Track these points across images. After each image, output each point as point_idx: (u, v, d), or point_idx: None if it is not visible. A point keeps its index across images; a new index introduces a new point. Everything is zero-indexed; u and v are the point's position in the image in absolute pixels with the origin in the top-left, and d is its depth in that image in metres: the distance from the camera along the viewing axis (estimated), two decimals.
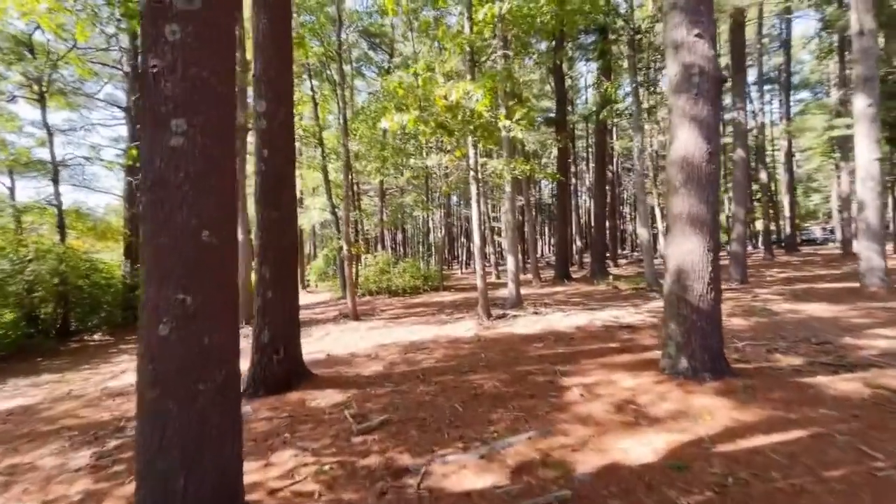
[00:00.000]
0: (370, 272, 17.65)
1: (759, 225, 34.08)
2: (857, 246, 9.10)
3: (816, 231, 36.53)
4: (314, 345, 7.57)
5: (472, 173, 8.48)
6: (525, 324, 7.97)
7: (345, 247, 10.26)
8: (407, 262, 18.63)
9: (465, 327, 8.12)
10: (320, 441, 3.35)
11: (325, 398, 4.32)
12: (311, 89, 17.36)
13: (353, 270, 18.40)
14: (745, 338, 5.76)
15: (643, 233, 12.25)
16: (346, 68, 20.59)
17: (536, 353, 5.70)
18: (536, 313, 8.94)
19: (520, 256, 17.64)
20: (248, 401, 4.33)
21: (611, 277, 14.73)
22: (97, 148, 13.39)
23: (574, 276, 18.44)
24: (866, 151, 8.79)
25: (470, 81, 6.79)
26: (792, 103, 28.07)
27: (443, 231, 20.32)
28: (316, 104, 17.22)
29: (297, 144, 20.01)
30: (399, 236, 37.50)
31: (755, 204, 30.18)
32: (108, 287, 12.56)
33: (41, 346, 10.02)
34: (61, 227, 11.69)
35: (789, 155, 25.89)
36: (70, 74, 14.09)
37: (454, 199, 33.23)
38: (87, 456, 3.44)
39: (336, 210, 17.26)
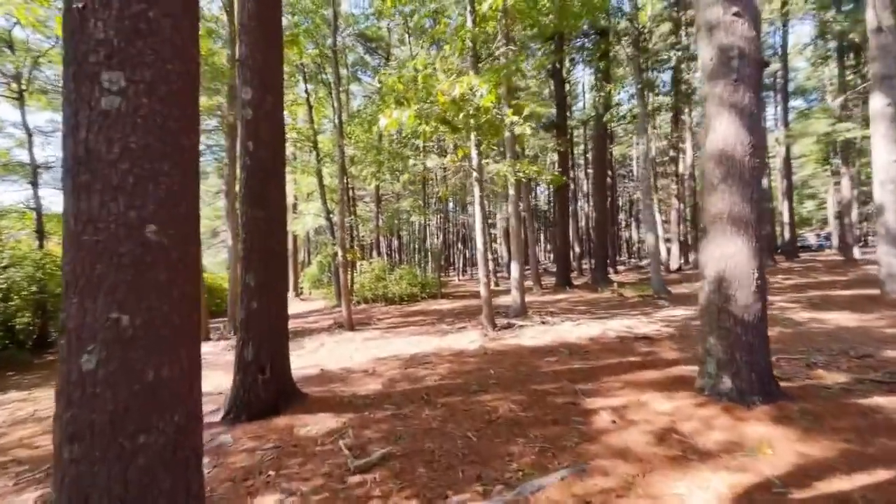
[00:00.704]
0: (366, 279, 17.10)
1: None
2: (878, 251, 8.71)
3: (811, 238, 36.48)
4: (307, 358, 7.02)
5: (474, 175, 8.01)
6: (533, 335, 7.46)
7: (339, 253, 9.73)
8: (403, 269, 18.10)
9: (469, 338, 7.60)
10: (311, 481, 2.81)
11: (317, 424, 3.78)
12: (306, 91, 16.92)
13: (349, 278, 17.89)
14: (776, 350, 5.28)
15: (649, 238, 11.83)
16: (343, 72, 20.20)
17: (551, 369, 5.19)
18: (544, 323, 8.44)
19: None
20: (228, 428, 3.78)
21: (615, 285, 14.29)
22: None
23: (575, 282, 17.99)
24: (885, 153, 8.44)
25: (475, 76, 6.34)
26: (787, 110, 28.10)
27: (440, 237, 19.82)
28: (310, 107, 16.77)
29: (291, 148, 19.52)
30: (395, 243, 37.00)
31: None
32: None
33: (15, 358, 9.36)
34: (40, 232, 11.06)
35: (787, 161, 25.76)
36: (56, 74, 13.54)
37: (450, 204, 32.82)
38: (30, 501, 2.88)
39: (331, 215, 16.74)
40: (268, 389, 4.02)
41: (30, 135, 11.47)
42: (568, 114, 24.28)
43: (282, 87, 4.43)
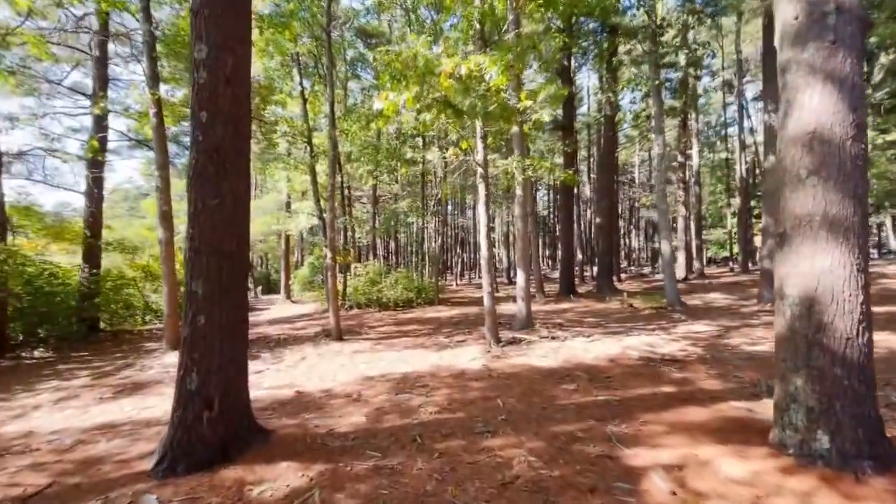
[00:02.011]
0: (359, 283, 16.21)
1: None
2: None
3: None
4: (284, 375, 6.10)
5: (479, 171, 7.15)
6: (543, 352, 6.57)
7: (328, 254, 8.83)
8: (399, 273, 17.21)
9: (470, 355, 6.70)
10: None
11: (276, 480, 2.88)
12: (301, 84, 16.09)
13: (339, 281, 16.96)
14: None
15: (664, 246, 10.99)
16: (341, 68, 19.41)
17: (571, 401, 4.31)
18: (553, 338, 7.56)
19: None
20: (158, 483, 2.87)
21: (625, 294, 13.43)
22: (51, 137, 11.83)
23: (578, 290, 17.14)
24: None
25: (483, 54, 5.48)
26: None
27: (439, 240, 18.98)
28: (305, 100, 15.92)
29: (285, 144, 18.63)
30: (392, 245, 36.13)
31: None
32: (57, 295, 10.95)
33: None
34: (2, 226, 10.11)
35: None
36: (33, 58, 12.63)
37: (449, 206, 31.96)
38: None
39: (324, 214, 15.86)
40: (215, 430, 3.12)
41: None
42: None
43: (248, 46, 3.55)
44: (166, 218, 8.13)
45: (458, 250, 34.89)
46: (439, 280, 16.60)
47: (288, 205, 23.61)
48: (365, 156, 17.39)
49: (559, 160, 20.56)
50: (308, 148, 16.13)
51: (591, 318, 10.47)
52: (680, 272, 21.66)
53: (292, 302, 21.68)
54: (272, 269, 35.66)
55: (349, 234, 21.88)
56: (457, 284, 27.74)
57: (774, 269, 3.08)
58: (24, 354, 9.48)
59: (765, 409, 3.60)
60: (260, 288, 29.40)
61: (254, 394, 5.20)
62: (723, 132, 35.83)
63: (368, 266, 18.00)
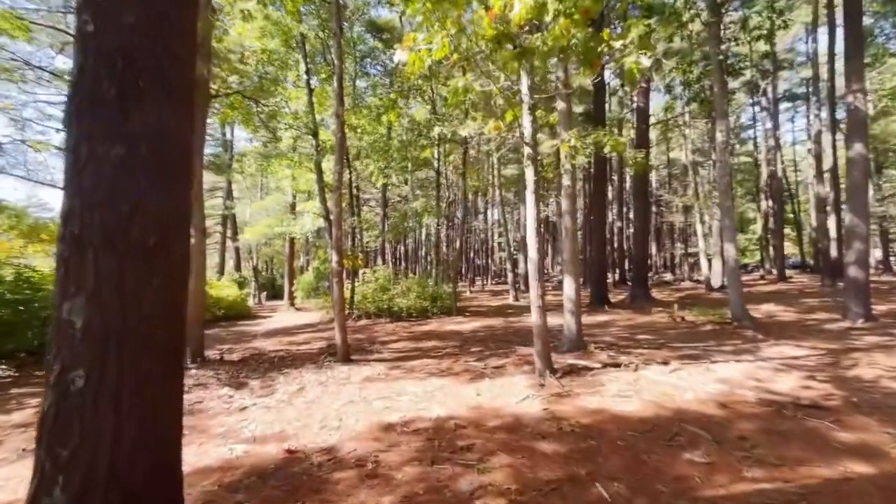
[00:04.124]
0: (369, 290, 14.66)
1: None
2: None
3: None
4: (272, 417, 4.54)
5: (526, 151, 5.59)
6: (617, 388, 4.95)
7: (334, 257, 7.31)
8: (412, 280, 15.66)
9: (518, 390, 5.10)
10: None
11: None
12: (307, 73, 14.65)
13: (346, 290, 15.44)
14: None
15: (729, 250, 9.32)
16: (350, 66, 18.08)
17: (715, 489, 2.70)
18: (618, 365, 5.93)
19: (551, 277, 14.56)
20: None
21: (675, 307, 11.73)
22: (21, 123, 10.49)
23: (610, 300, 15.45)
24: None
25: None
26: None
27: (456, 242, 17.45)
28: (311, 90, 14.49)
29: (290, 141, 17.24)
30: (401, 250, 34.64)
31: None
32: (27, 303, 9.50)
33: None
34: None
35: (835, 170, 23.19)
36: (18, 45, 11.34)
37: (458, 211, 30.40)
38: None
39: (330, 216, 14.40)
40: None
41: None
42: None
43: None
44: None
45: (471, 255, 33.34)
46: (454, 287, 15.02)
47: (293, 206, 22.24)
48: (375, 151, 15.94)
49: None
50: (315, 142, 14.71)
51: (643, 334, 8.82)
52: (716, 280, 19.90)
53: (296, 309, 20.22)
54: (277, 273, 34.30)
55: (357, 237, 20.43)
56: (471, 291, 26.13)
57: None
58: None
59: None
60: (265, 294, 28.05)
61: (226, 453, 3.65)
62: (745, 134, 34.10)
63: (378, 271, 16.48)
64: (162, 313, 1.78)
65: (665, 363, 5.94)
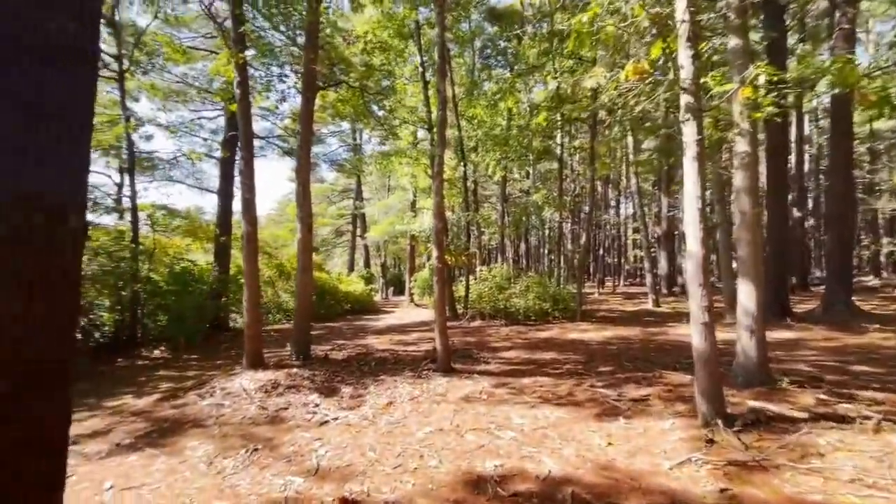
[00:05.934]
0: (484, 288, 13.73)
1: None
2: None
3: None
4: (348, 440, 3.81)
5: (684, 99, 3.89)
6: (856, 466, 3.00)
7: (435, 253, 6.48)
8: (531, 279, 14.23)
9: (668, 440, 3.50)
10: None
11: None
12: (422, 65, 14.31)
13: (461, 288, 14.72)
14: None
15: None
16: (468, 59, 17.43)
17: None
18: (836, 417, 3.80)
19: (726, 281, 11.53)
20: None
21: None
22: (179, 135, 12.13)
23: (793, 309, 11.74)
24: None
25: None
26: None
27: (583, 238, 15.49)
28: (426, 83, 14.12)
29: (410, 137, 17.31)
30: (522, 247, 33.10)
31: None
32: (185, 293, 10.89)
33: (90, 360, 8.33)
34: (134, 223, 10.35)
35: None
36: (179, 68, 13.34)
37: (585, 207, 27.44)
38: None
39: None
40: None
41: (127, 119, 10.98)
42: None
43: None
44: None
45: (600, 252, 30.15)
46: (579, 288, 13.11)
47: (413, 204, 22.62)
48: (491, 139, 14.89)
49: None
50: (430, 136, 14.34)
51: (861, 363, 6.02)
52: None
53: (416, 305, 20.46)
54: (404, 270, 35.95)
55: (474, 233, 19.73)
56: (599, 293, 23.39)
57: None
58: (145, 353, 9.37)
59: None
60: (391, 289, 29.56)
61: (278, 487, 2.94)
62: None
63: (494, 269, 15.45)
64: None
65: None
